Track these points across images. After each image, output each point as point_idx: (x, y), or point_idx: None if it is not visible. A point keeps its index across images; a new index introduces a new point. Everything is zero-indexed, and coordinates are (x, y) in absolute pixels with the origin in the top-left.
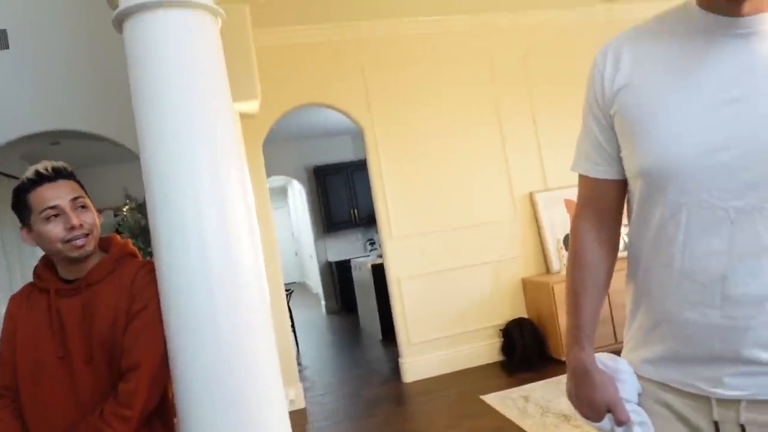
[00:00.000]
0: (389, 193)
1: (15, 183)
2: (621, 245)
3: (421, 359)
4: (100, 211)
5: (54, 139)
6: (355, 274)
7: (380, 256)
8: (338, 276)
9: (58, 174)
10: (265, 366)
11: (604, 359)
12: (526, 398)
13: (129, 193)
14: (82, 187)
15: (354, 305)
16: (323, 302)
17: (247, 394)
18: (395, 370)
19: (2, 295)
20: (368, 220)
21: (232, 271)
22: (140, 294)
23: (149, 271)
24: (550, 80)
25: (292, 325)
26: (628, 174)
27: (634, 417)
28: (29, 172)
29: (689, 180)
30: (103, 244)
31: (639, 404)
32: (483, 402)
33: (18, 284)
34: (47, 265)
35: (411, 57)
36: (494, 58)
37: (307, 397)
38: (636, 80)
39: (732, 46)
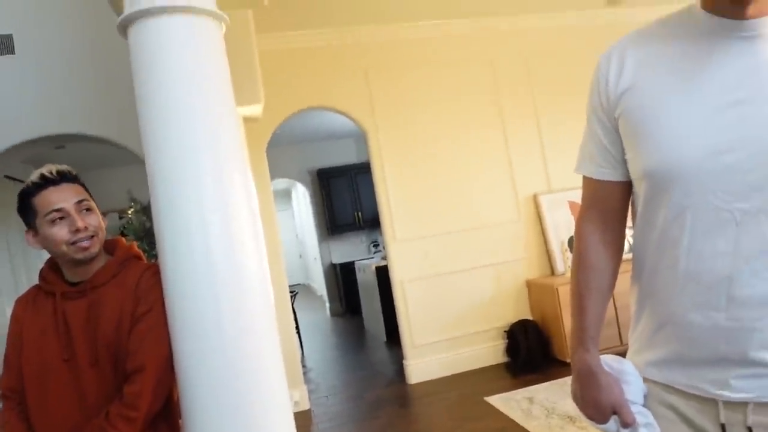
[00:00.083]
0: (393, 195)
1: (20, 186)
2: (626, 247)
3: (425, 361)
4: (104, 214)
5: (58, 142)
6: (359, 277)
7: (384, 259)
8: (342, 278)
9: (62, 177)
10: (270, 370)
11: (609, 361)
12: (530, 400)
13: (133, 195)
14: (86, 189)
15: (358, 307)
16: (327, 304)
17: (252, 398)
18: (399, 372)
19: (8, 298)
20: (372, 223)
21: (236, 277)
22: (145, 296)
23: (154, 273)
24: (553, 83)
25: (297, 327)
26: (633, 176)
27: (639, 418)
28: (34, 176)
29: (694, 182)
30: (109, 247)
31: (644, 406)
32: (487, 404)
33: (23, 286)
34: (53, 267)
35: (414, 61)
36: (497, 61)
37: (312, 399)
38: (640, 83)
39: (736, 49)
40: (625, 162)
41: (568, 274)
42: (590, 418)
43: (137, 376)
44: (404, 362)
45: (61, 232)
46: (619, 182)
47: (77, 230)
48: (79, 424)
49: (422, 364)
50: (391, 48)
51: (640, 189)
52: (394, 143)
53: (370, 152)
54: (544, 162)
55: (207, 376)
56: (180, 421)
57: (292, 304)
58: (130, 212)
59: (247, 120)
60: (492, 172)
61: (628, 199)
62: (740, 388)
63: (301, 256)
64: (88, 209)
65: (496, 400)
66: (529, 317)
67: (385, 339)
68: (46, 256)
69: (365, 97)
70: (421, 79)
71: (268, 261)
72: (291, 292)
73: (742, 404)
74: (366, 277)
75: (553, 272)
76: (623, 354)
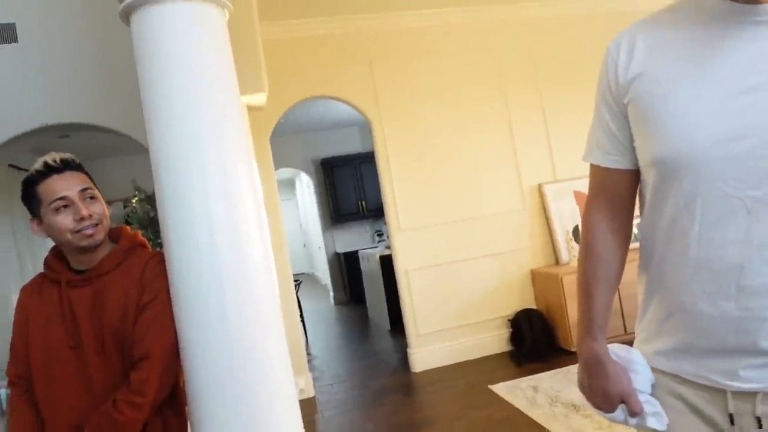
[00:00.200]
0: (397, 185)
1: (25, 176)
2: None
3: (429, 350)
4: (109, 202)
5: (63, 132)
6: (363, 266)
7: (388, 248)
8: (346, 267)
9: (66, 165)
10: (276, 360)
11: (616, 350)
12: (535, 388)
13: (138, 184)
14: (90, 178)
15: (362, 296)
16: (332, 293)
17: (257, 389)
18: (403, 360)
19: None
20: (376, 212)
21: (241, 266)
22: (150, 285)
23: (159, 261)
24: (558, 71)
25: (301, 316)
26: (641, 163)
27: (647, 408)
28: (38, 164)
29: (704, 169)
30: (113, 235)
31: (652, 395)
32: (492, 392)
33: (29, 273)
34: (57, 256)
35: (418, 49)
36: (501, 50)
37: (317, 387)
38: (651, 69)
39: (750, 34)
40: (633, 149)
41: (573, 264)
42: (597, 407)
43: (143, 364)
44: (408, 351)
45: (65, 220)
46: (627, 170)
47: (82, 218)
48: (87, 412)
49: (426, 353)
50: (395, 37)
51: (648, 177)
52: (398, 132)
53: (374, 141)
54: (550, 151)
55: (212, 366)
56: (186, 408)
57: (297, 293)
58: (134, 201)
59: (251, 109)
60: (496, 161)
61: (636, 188)
62: (749, 378)
63: (305, 246)
64: (92, 197)
65: (501, 389)
66: (534, 306)
67: (389, 327)
68: (51, 244)
69: (369, 86)
70: (425, 68)
71: (272, 250)
72: (295, 281)
73: (751, 394)
74: (370, 266)
75: (557, 262)
76: (628, 344)
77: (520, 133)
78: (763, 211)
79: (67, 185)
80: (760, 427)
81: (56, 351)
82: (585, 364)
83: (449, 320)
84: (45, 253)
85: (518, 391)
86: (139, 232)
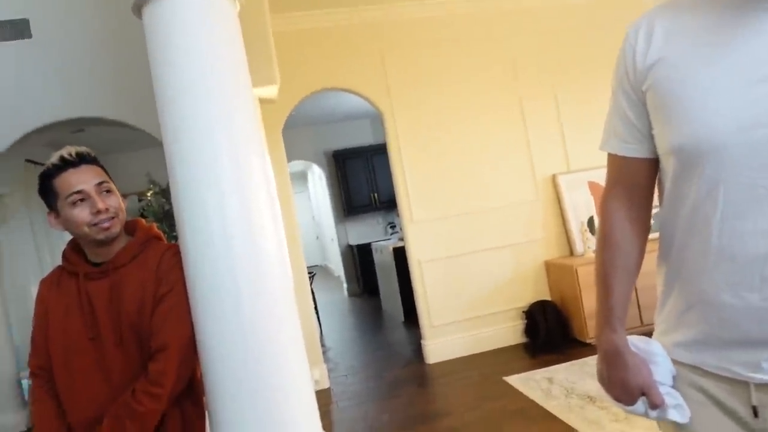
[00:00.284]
0: (409, 177)
1: (41, 169)
2: None
3: (443, 341)
4: (124, 196)
5: (78, 126)
6: (376, 257)
7: (401, 240)
8: (359, 259)
9: (81, 159)
10: (291, 352)
11: (636, 341)
12: (550, 380)
13: (152, 178)
14: (105, 171)
15: (376, 288)
16: (345, 285)
17: (273, 381)
18: (417, 351)
19: (33, 277)
20: (389, 204)
21: (255, 260)
22: (166, 277)
23: (174, 254)
24: (571, 60)
25: (315, 307)
26: (660, 151)
27: (668, 400)
28: (54, 158)
29: (726, 157)
30: (129, 228)
31: (673, 387)
32: (506, 383)
33: (47, 266)
34: (75, 248)
35: (430, 40)
36: (512, 38)
37: (331, 378)
38: (670, 55)
39: (765, 21)
40: (651, 137)
41: (587, 255)
42: (617, 399)
43: (161, 355)
44: (422, 342)
45: (82, 213)
46: (645, 159)
47: (98, 212)
48: (106, 403)
49: (440, 344)
50: (406, 28)
51: (668, 165)
52: (410, 124)
53: (386, 133)
54: (564, 142)
55: (227, 358)
56: (204, 398)
57: (311, 285)
58: (149, 194)
59: (263, 101)
60: (509, 152)
61: (655, 177)
62: None
63: (318, 238)
64: (108, 191)
65: (515, 380)
66: (548, 298)
67: (402, 319)
68: (68, 236)
69: (381, 77)
70: (436, 59)
71: (286, 243)
72: (309, 273)
73: None
74: (383, 258)
75: (572, 253)
76: (644, 335)
77: (532, 123)
78: None
79: (83, 179)
80: None
81: (75, 343)
82: (604, 355)
83: (463, 312)
84: (63, 246)
85: (533, 383)
86: (155, 225)
